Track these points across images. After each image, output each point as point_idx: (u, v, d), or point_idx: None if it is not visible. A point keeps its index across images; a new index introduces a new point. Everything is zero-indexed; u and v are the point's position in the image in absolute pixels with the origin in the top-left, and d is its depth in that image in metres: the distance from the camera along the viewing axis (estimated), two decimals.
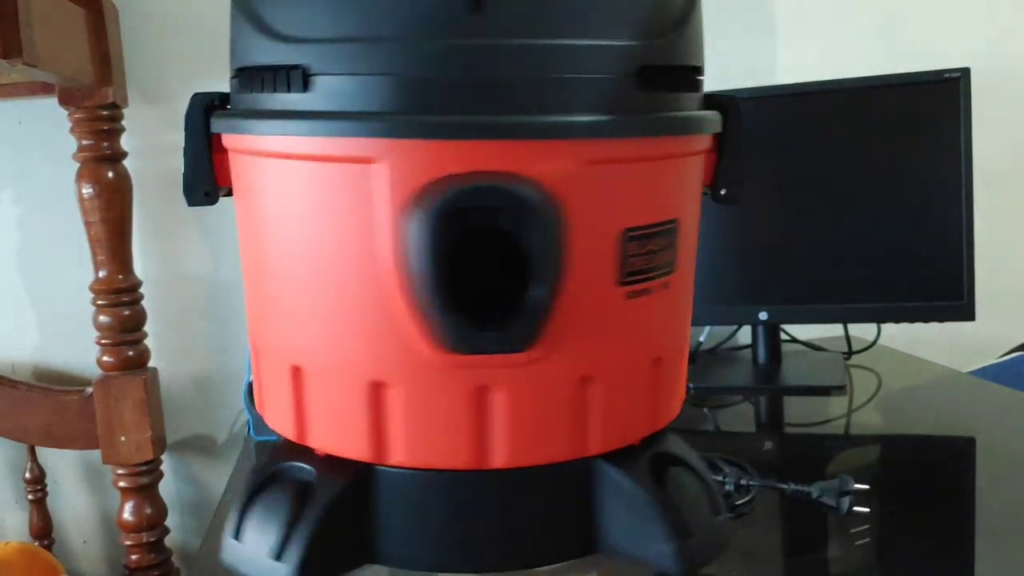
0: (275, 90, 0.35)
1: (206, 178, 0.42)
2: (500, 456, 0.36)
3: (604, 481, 0.36)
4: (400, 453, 0.36)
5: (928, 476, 1.00)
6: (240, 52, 0.38)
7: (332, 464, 0.38)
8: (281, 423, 0.39)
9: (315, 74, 0.34)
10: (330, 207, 0.34)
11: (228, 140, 0.40)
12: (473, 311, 0.33)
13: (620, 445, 0.37)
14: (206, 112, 0.40)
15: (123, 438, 1.36)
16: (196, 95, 0.41)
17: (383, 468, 0.37)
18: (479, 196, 0.32)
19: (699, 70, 0.39)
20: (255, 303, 0.39)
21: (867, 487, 0.88)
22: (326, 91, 0.34)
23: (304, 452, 0.39)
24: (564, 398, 0.35)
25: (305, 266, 0.36)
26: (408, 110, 0.33)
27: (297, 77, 0.34)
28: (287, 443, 0.40)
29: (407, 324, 0.34)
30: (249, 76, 0.37)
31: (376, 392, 0.36)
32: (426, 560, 0.36)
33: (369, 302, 0.35)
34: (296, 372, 0.37)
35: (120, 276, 1.36)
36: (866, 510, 0.86)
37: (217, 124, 0.40)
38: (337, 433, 0.38)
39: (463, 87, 0.33)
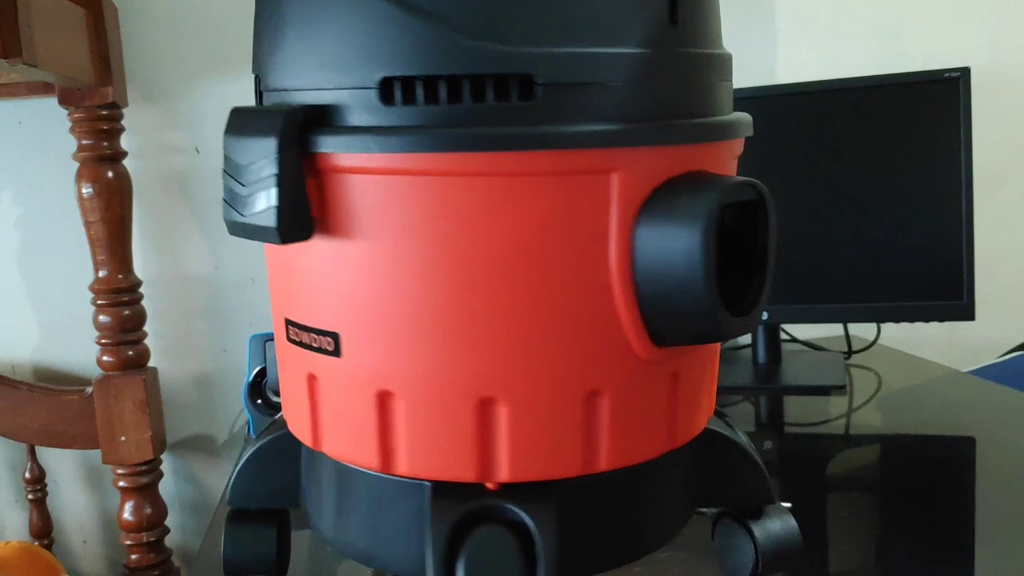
0: (483, 101, 0.32)
1: (305, 209, 0.34)
2: (682, 435, 0.39)
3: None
4: (609, 457, 0.36)
5: (928, 476, 1.00)
6: (421, 57, 0.33)
7: (518, 491, 0.36)
8: (448, 467, 0.36)
9: (541, 83, 0.32)
10: (556, 221, 0.33)
11: (375, 160, 0.33)
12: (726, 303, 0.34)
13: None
14: (303, 129, 0.34)
15: (123, 438, 1.37)
16: (287, 109, 0.33)
17: (592, 477, 0.36)
18: (738, 191, 0.34)
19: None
20: (393, 342, 0.35)
21: (788, 505, 0.88)
22: (553, 101, 0.32)
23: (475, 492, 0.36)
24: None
25: (517, 287, 0.34)
26: (637, 117, 0.33)
27: (517, 86, 0.32)
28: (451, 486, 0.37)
29: (623, 327, 0.34)
30: (432, 85, 0.32)
31: (591, 402, 0.35)
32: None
33: (588, 312, 0.34)
34: (486, 405, 0.35)
35: (120, 276, 1.36)
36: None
37: (383, 142, 0.33)
38: (538, 457, 0.35)
39: (671, 93, 0.34)
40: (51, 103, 1.35)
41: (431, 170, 0.33)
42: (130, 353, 1.37)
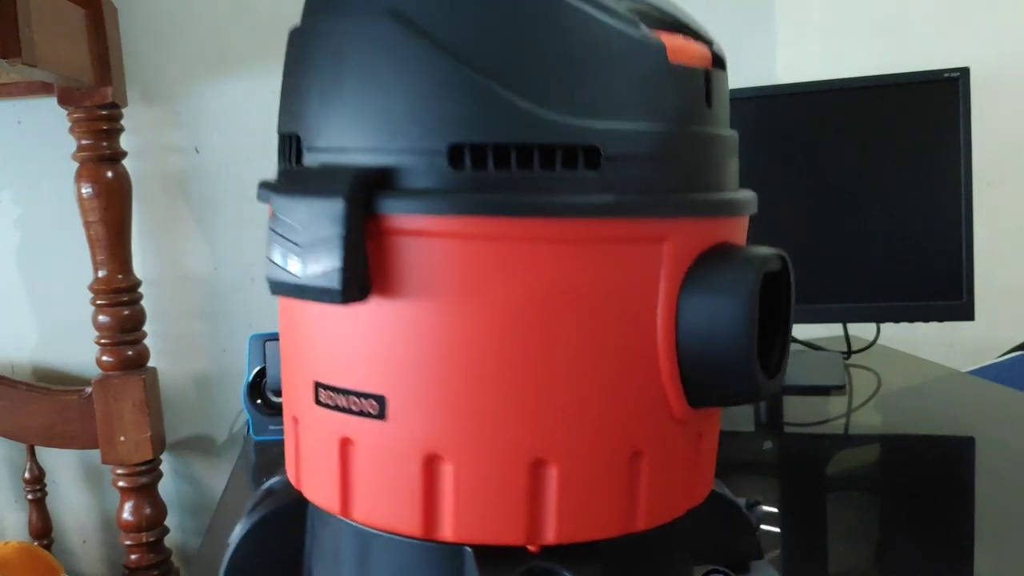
0: (552, 169, 0.33)
1: (365, 270, 0.35)
2: (701, 493, 0.40)
3: None
4: (646, 517, 0.37)
5: (927, 475, 1.00)
6: (494, 125, 0.34)
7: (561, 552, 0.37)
8: (496, 531, 0.36)
9: (607, 155, 0.34)
10: (612, 287, 0.35)
11: (441, 223, 0.34)
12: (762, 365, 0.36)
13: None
14: (368, 191, 0.34)
15: (122, 438, 1.36)
16: (355, 171, 0.34)
17: (630, 537, 0.37)
18: (773, 263, 0.37)
19: None
20: (444, 404, 0.36)
21: (776, 509, 0.87)
22: (616, 172, 0.34)
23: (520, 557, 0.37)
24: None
25: (572, 350, 0.35)
26: (683, 189, 0.36)
27: (584, 156, 0.33)
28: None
29: (665, 389, 0.36)
30: (503, 152, 0.33)
31: (633, 462, 0.36)
32: None
33: (635, 374, 0.36)
34: (537, 467, 0.35)
35: (119, 276, 1.36)
36: (776, 530, 0.85)
37: (453, 205, 0.33)
38: (585, 518, 0.36)
39: (706, 169, 0.37)
40: (50, 103, 1.35)
41: (498, 235, 0.33)
42: (130, 353, 1.37)
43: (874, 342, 1.41)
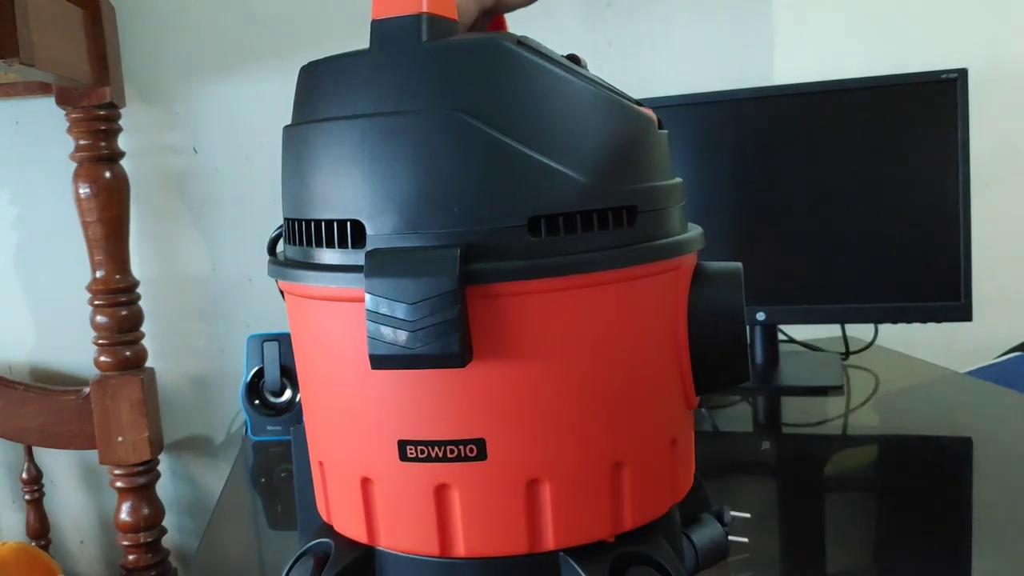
0: (606, 229, 0.41)
1: (469, 334, 0.39)
2: (681, 493, 0.47)
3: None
4: (632, 518, 0.44)
5: (925, 476, 1.00)
6: (561, 198, 0.40)
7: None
8: (586, 534, 0.43)
9: (642, 211, 0.42)
10: (658, 308, 0.43)
11: (531, 286, 0.40)
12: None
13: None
14: (463, 261, 0.39)
15: (120, 438, 1.36)
16: (456, 250, 0.39)
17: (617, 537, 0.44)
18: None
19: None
20: (541, 434, 0.42)
21: (747, 515, 0.88)
22: (643, 224, 0.42)
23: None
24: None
25: (638, 364, 0.42)
26: (681, 229, 0.45)
27: (626, 214, 0.41)
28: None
29: (685, 380, 0.44)
30: (570, 219, 0.40)
31: (673, 448, 0.45)
32: None
33: (673, 371, 0.44)
34: (617, 468, 0.42)
35: (117, 276, 1.36)
36: (744, 540, 0.85)
37: (540, 270, 0.40)
38: (647, 504, 0.44)
39: (683, 211, 0.47)
40: (49, 103, 1.35)
41: (576, 286, 0.40)
42: (127, 353, 1.37)
43: (872, 343, 1.41)
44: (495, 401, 0.40)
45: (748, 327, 1.42)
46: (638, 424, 0.43)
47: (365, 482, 0.43)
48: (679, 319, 0.44)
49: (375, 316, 0.38)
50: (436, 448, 0.41)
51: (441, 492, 0.41)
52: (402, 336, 0.38)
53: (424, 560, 0.43)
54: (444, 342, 0.38)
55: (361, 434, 0.42)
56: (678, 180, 0.46)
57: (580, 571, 0.42)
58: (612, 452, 0.42)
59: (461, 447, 0.41)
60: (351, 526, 0.44)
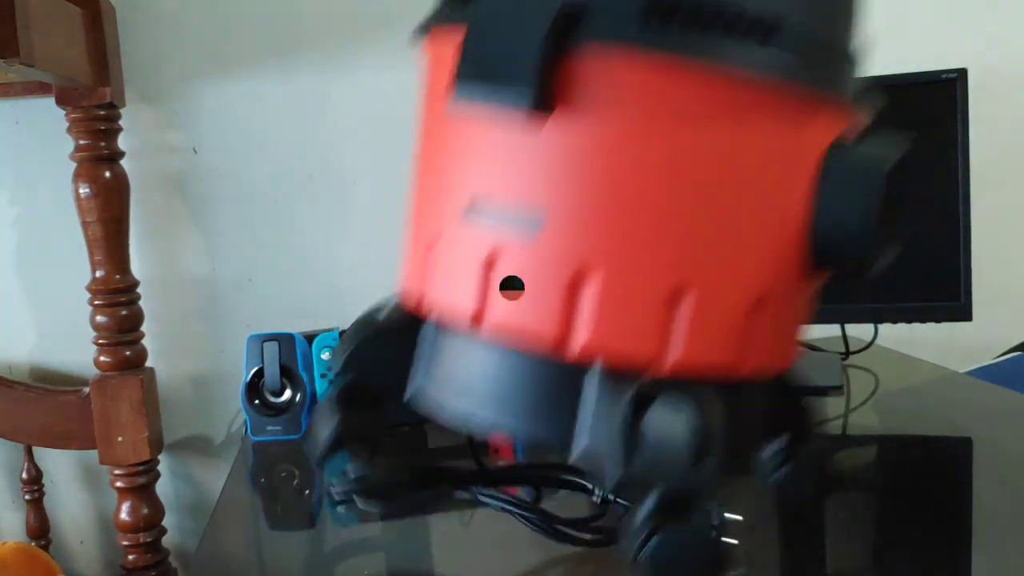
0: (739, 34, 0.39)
1: (553, 88, 0.38)
2: (791, 358, 0.47)
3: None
4: (753, 366, 0.42)
5: (925, 476, 1.00)
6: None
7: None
8: (627, 349, 0.39)
9: (784, 30, 0.40)
10: (764, 145, 0.41)
11: (627, 55, 0.37)
12: None
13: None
14: (567, 21, 0.38)
15: (120, 438, 1.36)
16: (557, 3, 0.37)
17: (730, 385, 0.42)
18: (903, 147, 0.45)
19: None
20: (601, 221, 0.38)
21: (739, 517, 0.87)
22: (788, 44, 0.40)
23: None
24: None
25: (731, 190, 0.40)
26: (835, 75, 0.45)
27: (765, 30, 0.40)
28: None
29: (796, 245, 0.42)
30: (693, 7, 0.39)
31: (757, 308, 0.42)
32: None
33: (777, 224, 0.42)
34: (677, 292, 0.40)
35: (117, 276, 1.36)
36: (735, 542, 0.84)
37: (648, 37, 0.38)
38: (706, 350, 0.41)
39: (848, 66, 0.47)
40: (48, 103, 1.35)
41: (678, 69, 0.37)
42: (127, 353, 1.37)
43: (872, 343, 1.41)
44: (563, 172, 0.38)
45: None
46: (715, 256, 0.39)
47: (428, 247, 0.42)
48: (804, 172, 0.41)
49: (469, 51, 0.37)
50: (498, 211, 0.39)
51: (492, 261, 0.39)
52: (486, 70, 0.37)
53: (438, 332, 0.42)
54: (520, 81, 0.37)
55: (438, 189, 0.41)
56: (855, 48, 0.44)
57: (607, 388, 0.39)
58: (674, 269, 0.39)
59: (520, 215, 0.38)
60: (413, 286, 0.43)
